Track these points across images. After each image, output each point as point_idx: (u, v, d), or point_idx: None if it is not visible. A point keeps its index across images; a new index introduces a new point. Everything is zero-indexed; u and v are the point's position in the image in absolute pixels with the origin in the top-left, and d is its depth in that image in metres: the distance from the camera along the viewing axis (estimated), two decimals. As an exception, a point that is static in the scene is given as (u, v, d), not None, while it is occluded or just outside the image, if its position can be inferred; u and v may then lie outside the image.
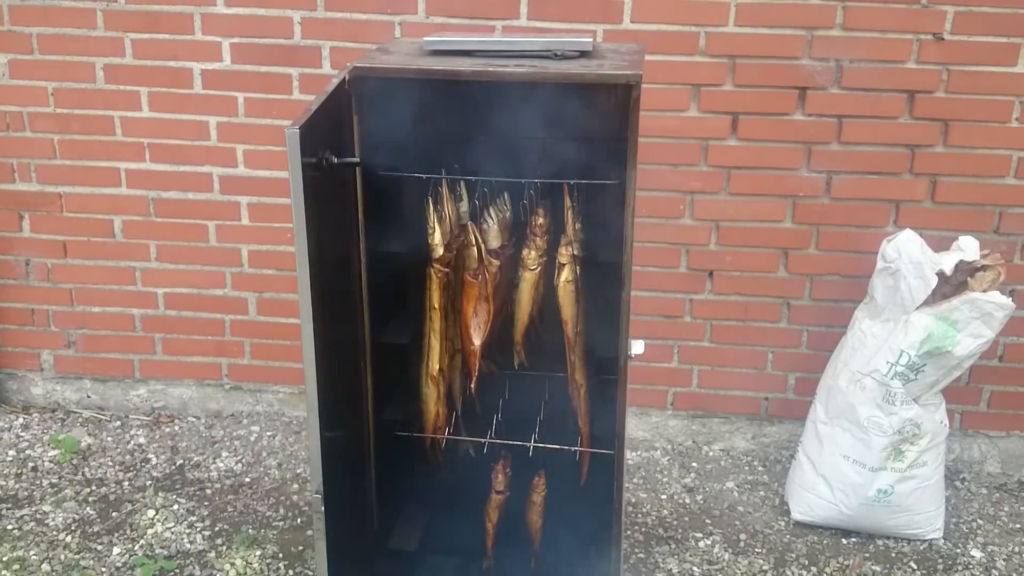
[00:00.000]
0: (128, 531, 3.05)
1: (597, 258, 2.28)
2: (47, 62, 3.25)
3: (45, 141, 3.35)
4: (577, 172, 2.23)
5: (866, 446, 2.96)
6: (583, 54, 2.14)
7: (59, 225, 3.46)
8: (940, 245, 2.99)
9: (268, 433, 3.58)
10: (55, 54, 3.24)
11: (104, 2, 3.15)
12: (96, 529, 3.06)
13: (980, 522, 3.20)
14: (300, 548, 2.99)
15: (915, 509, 3.02)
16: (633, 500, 3.25)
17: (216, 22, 3.15)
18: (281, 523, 3.11)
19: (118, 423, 3.63)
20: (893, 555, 3.03)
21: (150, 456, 3.44)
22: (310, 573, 2.89)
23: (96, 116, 3.30)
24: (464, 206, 2.34)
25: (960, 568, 2.98)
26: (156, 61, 3.22)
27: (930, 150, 3.09)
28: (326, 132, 1.97)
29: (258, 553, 2.97)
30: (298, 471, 3.37)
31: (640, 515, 3.19)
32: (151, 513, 3.13)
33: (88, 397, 3.69)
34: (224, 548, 2.99)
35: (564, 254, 2.26)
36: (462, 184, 2.32)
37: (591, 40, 2.19)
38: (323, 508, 1.99)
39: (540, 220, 2.28)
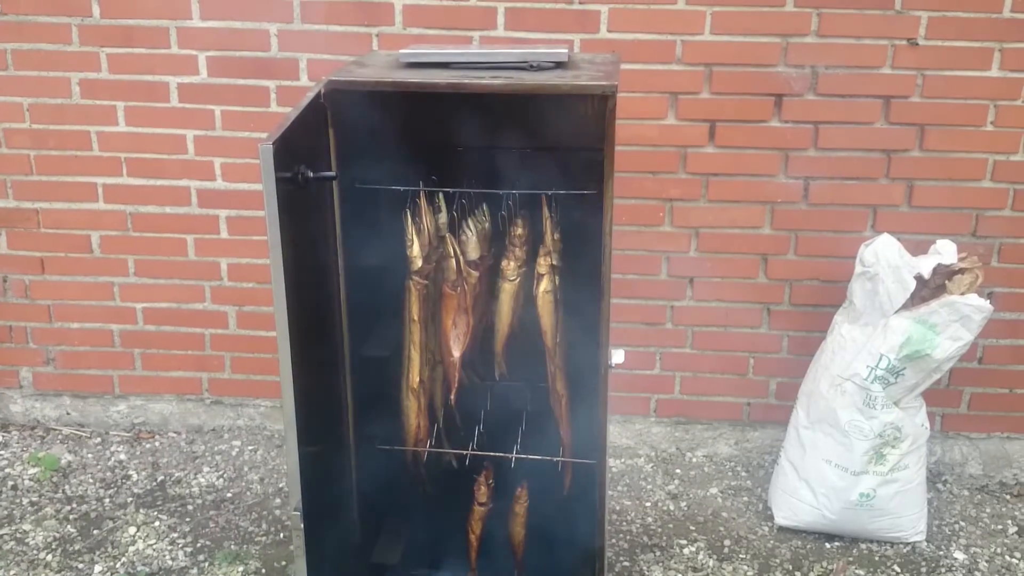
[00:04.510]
0: (109, 549, 3.02)
1: (576, 268, 2.28)
2: (22, 78, 3.23)
3: (21, 157, 3.33)
4: (555, 182, 2.23)
5: (848, 450, 2.96)
6: (559, 65, 2.15)
7: (36, 241, 3.43)
8: (918, 249, 3.00)
9: (250, 447, 3.56)
10: (30, 69, 3.21)
11: (79, 17, 3.14)
12: (77, 547, 3.03)
13: (962, 524, 3.22)
14: (283, 563, 2.97)
15: (898, 512, 3.03)
16: (617, 508, 3.25)
17: (192, 35, 3.14)
18: (264, 538, 3.09)
19: (98, 440, 3.60)
20: (877, 558, 3.04)
21: (131, 472, 3.41)
22: (294, 588, 2.88)
23: (72, 131, 3.28)
24: (442, 218, 2.33)
25: (943, 570, 2.99)
26: (132, 75, 3.20)
27: (906, 155, 3.11)
28: (301, 146, 1.96)
29: (240, 569, 2.95)
30: (280, 485, 3.35)
31: (625, 523, 3.19)
32: (132, 530, 3.10)
33: (68, 414, 3.67)
34: (206, 564, 2.97)
35: (543, 264, 2.27)
36: (440, 196, 2.32)
37: (567, 51, 2.19)
38: (302, 526, 1.98)
39: (519, 231, 2.29)
